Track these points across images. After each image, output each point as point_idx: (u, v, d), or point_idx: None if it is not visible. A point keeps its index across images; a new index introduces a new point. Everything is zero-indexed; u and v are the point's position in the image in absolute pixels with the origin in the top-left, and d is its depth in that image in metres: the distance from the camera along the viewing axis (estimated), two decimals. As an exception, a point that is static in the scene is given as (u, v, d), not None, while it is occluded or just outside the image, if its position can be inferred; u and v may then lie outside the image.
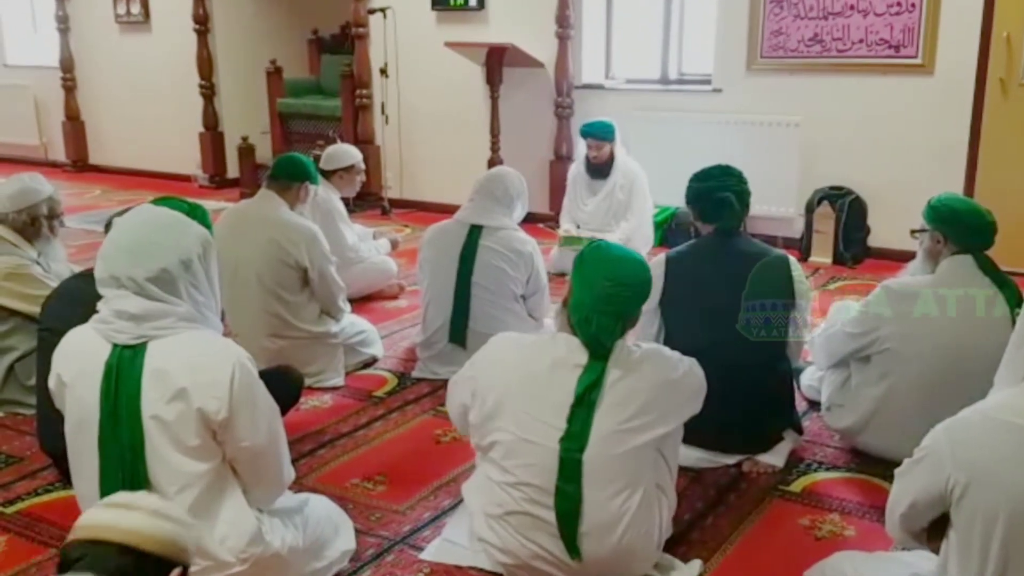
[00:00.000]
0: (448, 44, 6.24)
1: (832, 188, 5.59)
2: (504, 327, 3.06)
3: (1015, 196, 5.01)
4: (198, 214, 2.11)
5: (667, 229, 5.80)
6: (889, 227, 5.49)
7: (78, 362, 1.99)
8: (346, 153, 4.71)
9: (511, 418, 2.14)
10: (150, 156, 8.75)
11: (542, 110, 6.39)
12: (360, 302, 4.50)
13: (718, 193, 2.85)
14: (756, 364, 2.77)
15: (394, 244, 5.12)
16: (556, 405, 2.09)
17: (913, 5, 5.27)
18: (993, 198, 4.31)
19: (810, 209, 5.59)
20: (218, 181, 8.20)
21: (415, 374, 3.73)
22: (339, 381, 3.62)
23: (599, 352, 2.12)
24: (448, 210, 6.03)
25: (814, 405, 3.35)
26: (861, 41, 5.44)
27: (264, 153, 7.63)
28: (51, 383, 2.05)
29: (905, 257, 4.84)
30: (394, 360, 3.95)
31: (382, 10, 6.54)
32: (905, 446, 2.52)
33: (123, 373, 1.94)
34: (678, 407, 2.20)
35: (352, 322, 3.82)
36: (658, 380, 2.15)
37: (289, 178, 3.70)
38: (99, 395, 1.95)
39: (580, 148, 5.40)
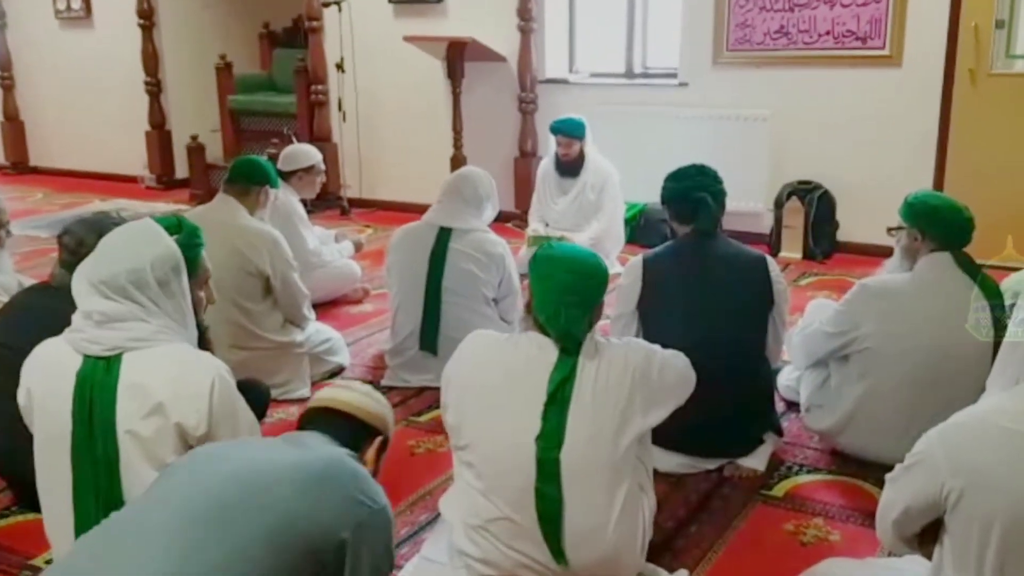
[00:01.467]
0: (407, 38, 6.22)
1: (801, 183, 5.63)
2: None
3: (986, 187, 5.06)
4: (185, 230, 2.15)
5: (636, 226, 5.81)
6: (858, 221, 5.55)
7: (49, 375, 1.99)
8: (305, 153, 4.68)
9: (485, 418, 2.15)
10: (94, 157, 8.64)
11: (505, 105, 6.40)
12: (324, 308, 4.48)
13: (694, 193, 2.88)
14: (736, 366, 2.79)
15: (357, 246, 5.09)
16: (530, 403, 2.10)
17: (880, -5, 5.21)
18: (963, 190, 4.38)
19: (779, 204, 5.63)
20: (166, 182, 8.10)
21: (385, 382, 3.71)
22: (305, 392, 3.59)
23: (571, 346, 2.14)
24: (410, 209, 6.32)
25: (792, 406, 3.37)
26: (828, 33, 5.51)
27: (215, 152, 7.56)
28: (20, 398, 2.04)
29: (874, 251, 5.26)
30: (362, 368, 3.95)
31: (336, 2, 6.49)
32: (886, 446, 2.71)
33: (97, 386, 1.94)
34: (662, 397, 2.20)
35: (317, 330, 3.80)
36: (635, 369, 2.16)
37: (248, 182, 3.67)
38: (72, 409, 1.94)
39: (549, 145, 5.42)
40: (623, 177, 5.39)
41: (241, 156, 4.73)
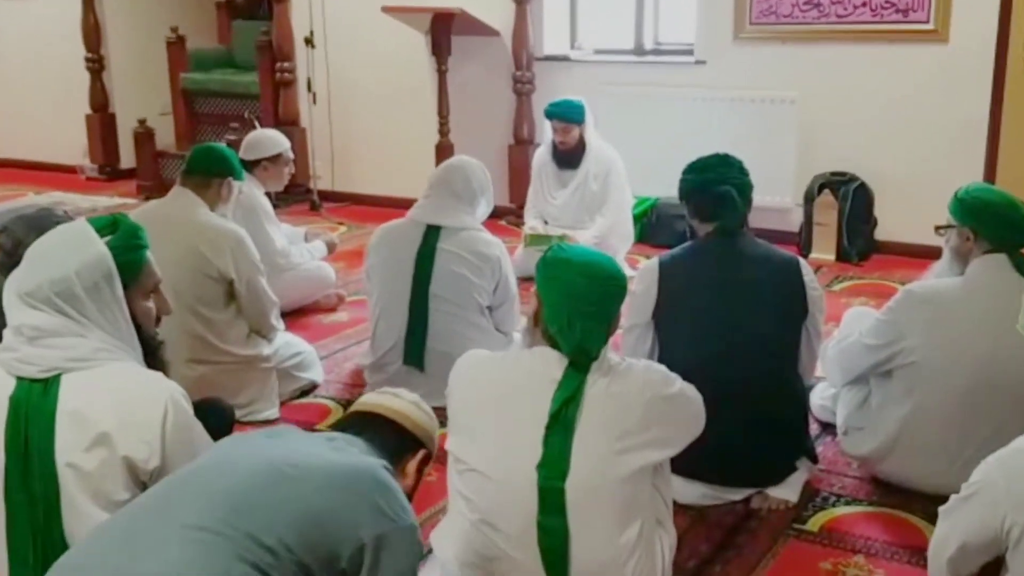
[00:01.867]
0: (386, 9, 6.23)
1: (834, 174, 5.64)
2: (468, 344, 3.05)
3: (1043, 181, 4.93)
4: (122, 230, 2.11)
5: (647, 223, 5.88)
6: (898, 218, 5.60)
7: None
8: (272, 140, 4.68)
9: (483, 445, 2.18)
10: (26, 144, 8.65)
11: (498, 86, 6.42)
12: (293, 317, 4.49)
13: (717, 187, 2.89)
14: (764, 383, 2.82)
15: (331, 247, 5.09)
16: (530, 426, 2.12)
17: (923, -38, 5.26)
18: (1018, 183, 4.41)
19: (809, 198, 5.65)
20: (109, 172, 8.12)
21: (363, 402, 3.67)
22: (274, 413, 3.61)
23: (583, 362, 2.15)
24: (390, 204, 6.38)
25: (828, 428, 3.39)
26: (864, 5, 5.55)
27: (165, 138, 7.56)
28: None
29: (917, 252, 5.29)
30: (337, 386, 3.94)
31: (305, -33, 6.49)
32: (935, 474, 2.76)
33: (33, 413, 1.91)
34: (676, 429, 2.23)
35: (287, 342, 3.80)
36: (649, 393, 2.18)
37: (208, 173, 3.66)
38: (3, 439, 1.91)
39: (545, 131, 5.44)
40: (631, 168, 5.43)
41: (200, 144, 4.77)
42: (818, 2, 5.62)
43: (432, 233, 3.62)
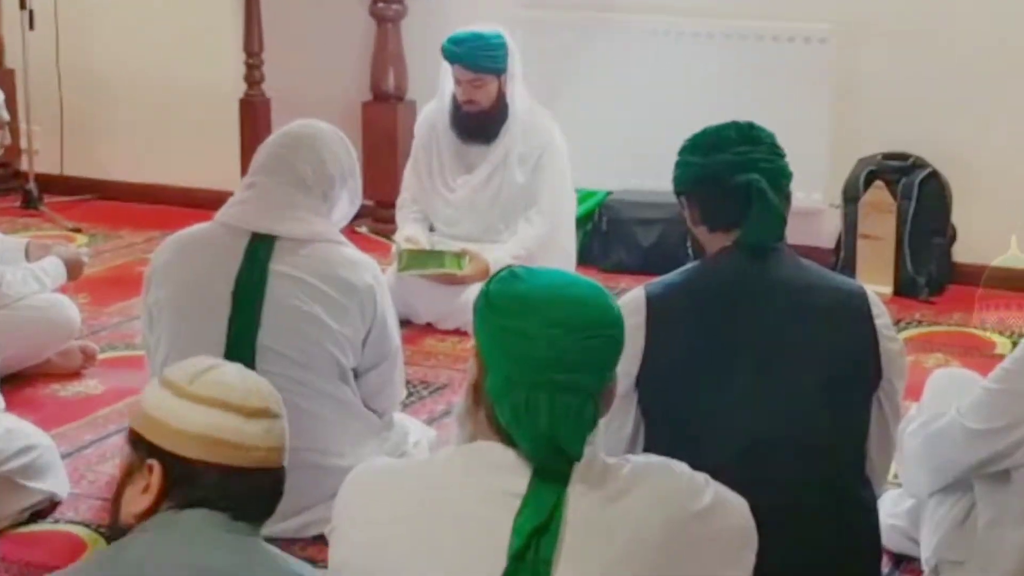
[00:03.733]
0: None
1: (889, 157, 5.32)
2: (320, 432, 3.22)
3: None
4: None
5: (592, 231, 5.65)
6: (990, 226, 5.29)
7: None
8: None
9: None
10: None
11: (344, 5, 6.10)
12: (10, 387, 4.17)
13: (738, 175, 2.78)
14: (816, 491, 2.72)
15: (72, 267, 4.62)
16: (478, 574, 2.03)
17: None
18: None
19: (851, 195, 5.31)
20: None
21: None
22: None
23: (555, 468, 1.98)
24: (163, 199, 6.37)
25: (905, 562, 3.30)
26: None
27: None
28: None
29: (1020, 281, 5.11)
30: (90, 502, 3.75)
31: None
32: None
33: None
34: (719, 563, 2.06)
35: (7, 430, 3.66)
36: (670, 516, 2.03)
37: None
38: None
39: (441, 81, 5.11)
40: (573, 147, 5.19)
41: None
42: None
43: (260, 247, 3.43)
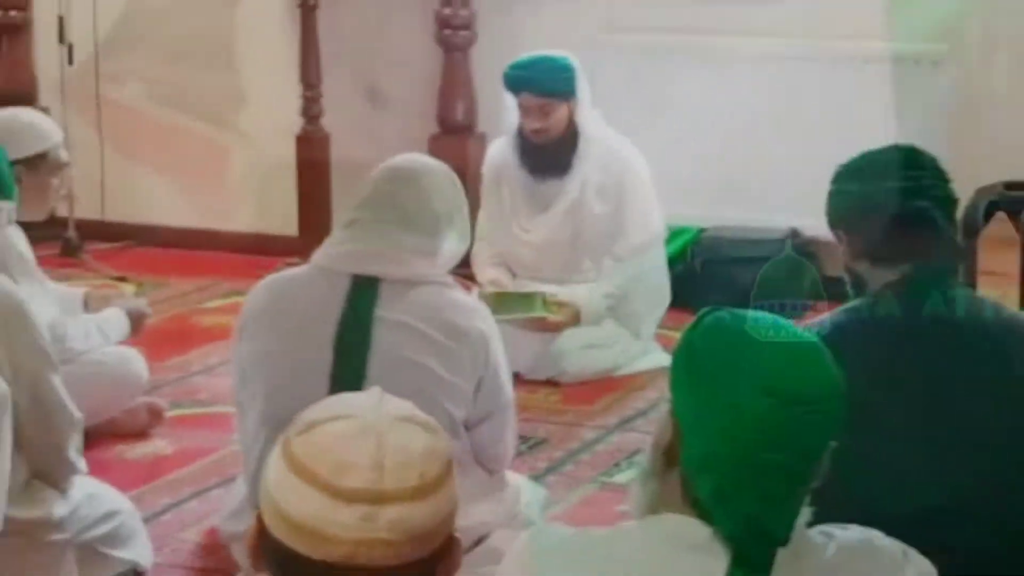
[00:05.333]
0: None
1: (1011, 187, 5.18)
2: None
3: None
4: None
5: (684, 271, 5.56)
6: None
7: None
8: (31, 128, 4.32)
9: None
10: None
11: (409, 32, 6.07)
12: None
13: (908, 203, 2.74)
14: (1006, 563, 2.57)
15: (136, 319, 4.55)
16: None
17: None
18: None
19: (970, 229, 5.05)
20: None
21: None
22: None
23: (758, 554, 1.91)
24: (215, 244, 6.36)
25: None
26: None
27: None
28: None
29: None
30: (173, 574, 3.79)
31: None
32: None
33: None
34: None
35: (89, 496, 3.58)
36: None
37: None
38: None
39: (505, 113, 5.11)
40: (660, 180, 5.12)
41: None
42: None
43: (363, 291, 3.40)
